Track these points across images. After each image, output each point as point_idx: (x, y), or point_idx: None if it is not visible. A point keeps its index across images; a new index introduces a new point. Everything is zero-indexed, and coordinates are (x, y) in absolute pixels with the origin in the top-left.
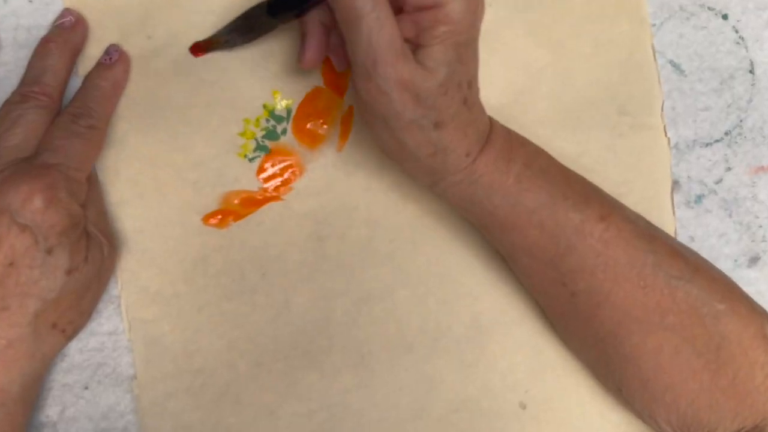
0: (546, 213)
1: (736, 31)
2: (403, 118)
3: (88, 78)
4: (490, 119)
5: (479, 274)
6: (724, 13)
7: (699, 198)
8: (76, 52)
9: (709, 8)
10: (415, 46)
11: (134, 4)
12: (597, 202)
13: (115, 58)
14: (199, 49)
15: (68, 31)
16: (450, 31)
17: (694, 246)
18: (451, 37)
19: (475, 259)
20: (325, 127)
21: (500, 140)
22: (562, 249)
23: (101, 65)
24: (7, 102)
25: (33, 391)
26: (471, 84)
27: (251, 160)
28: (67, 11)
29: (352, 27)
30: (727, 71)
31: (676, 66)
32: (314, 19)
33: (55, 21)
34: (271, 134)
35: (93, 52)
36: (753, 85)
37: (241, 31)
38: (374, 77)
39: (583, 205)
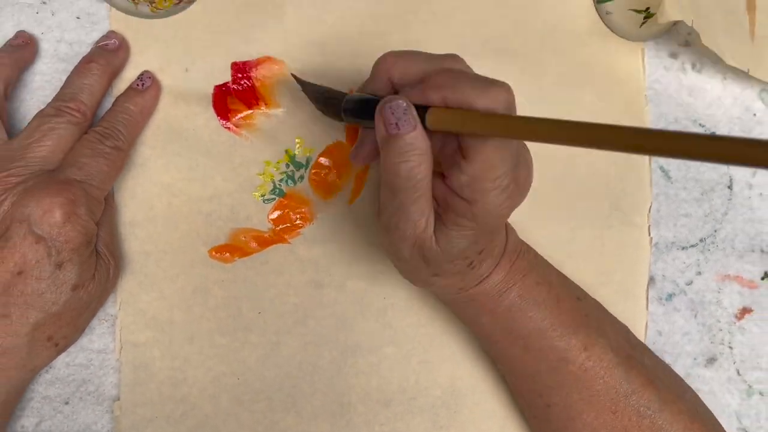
0: (532, 340)
1: None
2: (407, 263)
3: (118, 101)
4: (507, 242)
5: (463, 341)
6: (712, 131)
7: (670, 296)
8: (115, 74)
9: (700, 125)
10: (439, 212)
11: (178, 37)
12: (583, 333)
13: (147, 85)
14: (294, 75)
15: (111, 54)
16: (471, 227)
17: (660, 340)
18: (471, 231)
19: (461, 326)
20: (339, 180)
21: (502, 273)
22: (543, 369)
23: (133, 90)
24: (41, 113)
25: (16, 401)
26: (482, 251)
27: (266, 201)
28: (112, 33)
29: (389, 188)
30: (709, 184)
31: (665, 172)
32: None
33: (98, 41)
34: (288, 179)
35: (130, 75)
36: (730, 199)
37: (321, 102)
38: (392, 232)
39: (569, 336)
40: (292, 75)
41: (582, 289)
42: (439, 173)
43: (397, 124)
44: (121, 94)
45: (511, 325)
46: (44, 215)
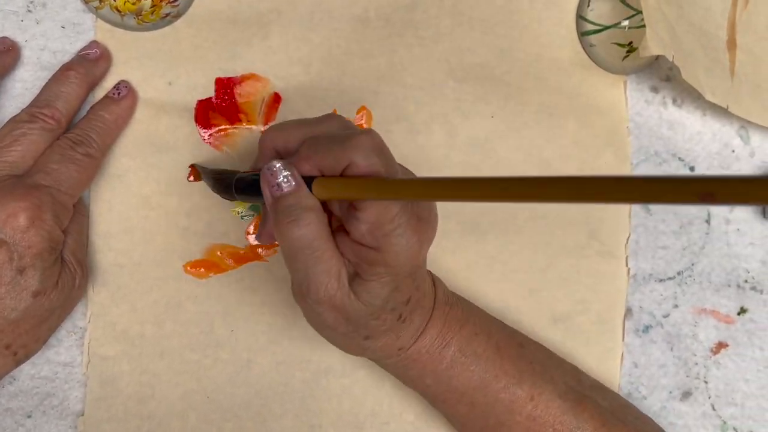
0: (477, 394)
1: None
2: (335, 331)
3: (93, 108)
4: (435, 293)
5: None
6: (691, 165)
7: (647, 328)
8: (94, 84)
9: (679, 158)
10: (354, 271)
11: (163, 51)
12: (528, 381)
13: (123, 94)
14: (192, 172)
15: (91, 63)
16: (388, 272)
17: (636, 372)
18: (388, 276)
19: None
20: None
21: (438, 326)
22: (491, 424)
23: (108, 98)
24: (14, 119)
25: None
26: (409, 300)
27: (243, 218)
28: (94, 43)
29: (291, 255)
30: (687, 217)
31: (644, 204)
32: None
33: (80, 50)
34: None
35: (110, 85)
36: (707, 234)
37: (216, 185)
38: (306, 299)
39: (514, 387)
40: (193, 166)
41: (524, 335)
42: (344, 229)
43: (278, 185)
44: (97, 102)
45: (455, 382)
46: (8, 219)
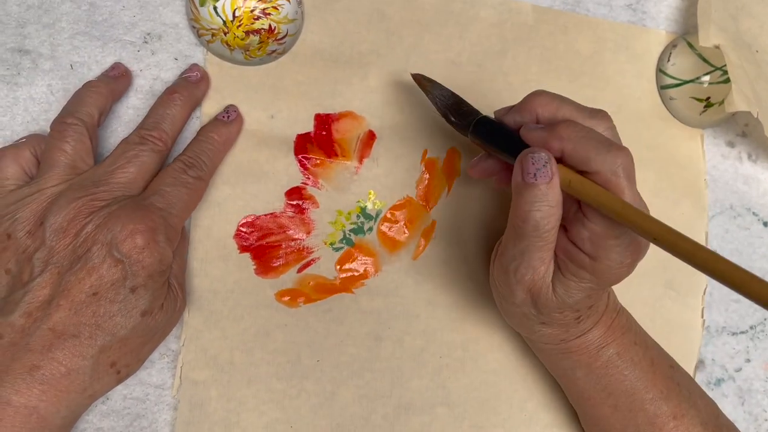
0: (623, 399)
1: None
2: (518, 308)
3: (203, 131)
4: (608, 300)
5: (515, 407)
6: (766, 221)
7: (719, 381)
8: (196, 105)
9: (753, 213)
10: (558, 262)
11: (267, 85)
12: (675, 400)
13: (232, 117)
14: (415, 76)
15: (193, 86)
16: (590, 281)
17: None
18: (590, 283)
19: (514, 393)
20: (406, 234)
21: (602, 329)
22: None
23: (219, 120)
24: (126, 141)
25: (71, 427)
26: (592, 306)
27: (335, 249)
28: (195, 66)
29: (517, 233)
30: (760, 272)
31: None
32: None
33: (182, 73)
34: (358, 230)
35: (215, 112)
36: None
37: (450, 111)
38: (510, 275)
39: (661, 402)
40: (415, 76)
41: (673, 359)
42: (562, 225)
43: (535, 174)
44: (207, 124)
45: (606, 381)
46: (126, 239)
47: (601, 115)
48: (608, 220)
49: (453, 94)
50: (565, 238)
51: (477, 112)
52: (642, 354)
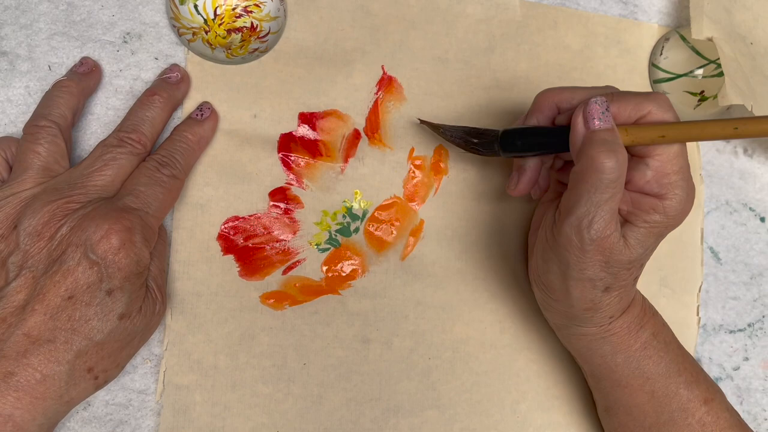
0: (660, 383)
1: None
2: (584, 273)
3: (177, 130)
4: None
5: (508, 409)
6: (762, 216)
7: (717, 380)
8: (176, 106)
9: (750, 209)
10: (623, 219)
11: (250, 83)
12: (704, 384)
13: (206, 115)
14: (423, 120)
15: (173, 87)
16: (661, 222)
17: None
18: (660, 227)
19: (506, 395)
20: (394, 234)
21: (638, 307)
22: (662, 420)
23: (192, 119)
24: (104, 143)
25: None
26: (644, 265)
27: (321, 250)
28: (175, 66)
29: (589, 186)
30: (758, 268)
31: (714, 253)
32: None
33: (161, 74)
34: (344, 230)
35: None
36: None
37: (468, 140)
38: (583, 231)
39: (693, 384)
40: (421, 121)
41: None
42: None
43: (600, 118)
44: (180, 123)
45: (644, 364)
46: (101, 240)
47: (608, 86)
48: (666, 155)
49: (463, 126)
50: (627, 193)
51: (492, 130)
52: (671, 336)
